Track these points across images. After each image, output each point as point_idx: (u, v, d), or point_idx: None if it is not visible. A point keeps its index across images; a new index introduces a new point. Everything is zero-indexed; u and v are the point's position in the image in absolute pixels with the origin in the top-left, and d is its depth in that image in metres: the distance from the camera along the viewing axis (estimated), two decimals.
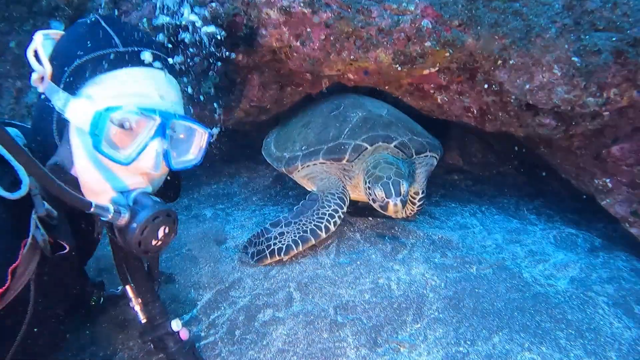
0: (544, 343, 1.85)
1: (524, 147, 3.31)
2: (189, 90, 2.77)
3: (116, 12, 2.76)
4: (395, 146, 2.75)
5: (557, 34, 2.33)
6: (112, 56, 1.41)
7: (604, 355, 1.81)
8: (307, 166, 2.89)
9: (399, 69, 2.65)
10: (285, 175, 3.20)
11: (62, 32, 1.52)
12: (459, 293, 2.14)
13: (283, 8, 2.57)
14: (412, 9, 2.48)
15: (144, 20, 2.76)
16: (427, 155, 2.89)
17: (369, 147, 2.72)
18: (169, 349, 1.86)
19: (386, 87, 3.08)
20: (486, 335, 1.90)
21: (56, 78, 1.41)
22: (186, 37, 2.56)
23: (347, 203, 2.68)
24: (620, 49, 2.22)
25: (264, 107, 3.50)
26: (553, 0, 2.40)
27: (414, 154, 2.79)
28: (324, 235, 2.52)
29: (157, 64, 1.50)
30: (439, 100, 2.94)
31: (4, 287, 1.19)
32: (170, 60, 1.57)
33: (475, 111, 2.87)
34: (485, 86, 2.65)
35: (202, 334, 2.11)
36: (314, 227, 2.52)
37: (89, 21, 1.50)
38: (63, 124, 1.41)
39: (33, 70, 1.40)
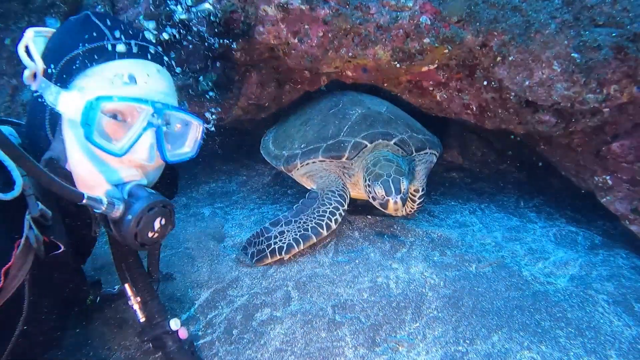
0: (543, 342, 1.84)
1: (524, 145, 3.30)
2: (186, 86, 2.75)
3: (113, 9, 2.74)
4: (395, 143, 2.73)
5: (557, 29, 2.31)
6: (103, 49, 1.42)
7: (604, 353, 1.79)
8: (307, 164, 2.87)
9: (398, 66, 2.63)
10: (284, 173, 3.18)
11: (54, 30, 1.52)
12: (458, 292, 2.13)
13: (281, 5, 2.55)
14: (411, 5, 2.46)
15: (141, 17, 2.73)
16: (426, 153, 2.88)
17: (368, 144, 2.70)
18: (168, 348, 1.85)
19: (385, 85, 3.06)
20: (485, 334, 1.89)
21: (48, 73, 1.40)
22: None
23: (347, 200, 2.67)
24: (620, 44, 2.20)
25: (262, 105, 3.48)
26: None
27: (413, 151, 2.77)
28: (325, 233, 2.50)
29: (149, 56, 1.50)
30: (438, 98, 2.92)
31: None
32: (162, 52, 1.57)
33: (474, 108, 2.85)
34: (485, 83, 2.63)
35: (200, 333, 2.09)
36: (315, 225, 2.50)
37: (79, 17, 1.50)
38: (55, 118, 1.42)
39: (26, 67, 1.39)
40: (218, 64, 3.10)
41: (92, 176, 1.40)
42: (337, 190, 2.68)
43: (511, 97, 2.57)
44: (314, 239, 2.48)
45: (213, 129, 1.96)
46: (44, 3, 2.71)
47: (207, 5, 2.35)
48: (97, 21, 1.47)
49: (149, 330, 1.87)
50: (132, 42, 1.47)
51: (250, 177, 4.10)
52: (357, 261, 2.40)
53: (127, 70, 1.43)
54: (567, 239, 2.80)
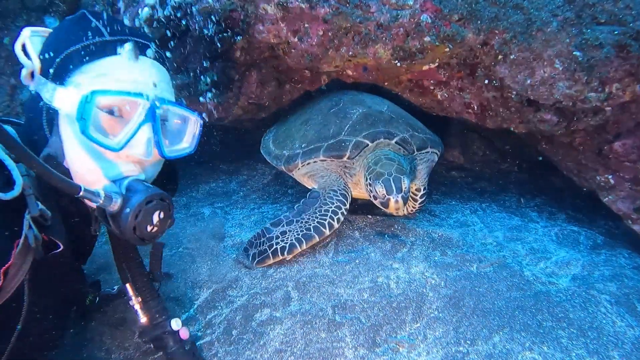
0: (545, 342, 1.82)
1: (526, 144, 3.28)
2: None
3: (112, 8, 2.73)
4: (396, 142, 2.72)
5: (559, 27, 2.29)
6: (98, 45, 1.43)
7: (606, 354, 1.78)
8: (308, 164, 2.85)
9: (398, 64, 2.62)
10: (285, 173, 3.17)
11: (51, 30, 1.54)
12: (459, 292, 2.11)
13: (280, 3, 2.53)
14: (411, 3, 2.44)
15: (140, 16, 2.72)
16: (428, 152, 2.86)
17: (370, 143, 2.69)
18: (169, 349, 1.84)
19: (385, 84, 3.04)
20: (486, 334, 1.87)
21: (45, 72, 1.42)
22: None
23: (349, 199, 2.65)
24: (623, 42, 2.18)
25: (262, 104, 3.46)
26: None
27: (415, 150, 2.76)
28: (328, 232, 2.48)
29: (145, 52, 1.51)
30: (439, 97, 2.91)
31: None
32: (158, 48, 1.58)
33: (475, 107, 2.84)
34: (486, 82, 2.62)
35: (199, 333, 2.08)
36: (318, 224, 2.48)
37: (75, 15, 1.52)
38: (53, 115, 1.43)
39: (23, 66, 1.41)
40: (218, 64, 3.09)
41: (89, 172, 1.40)
42: (339, 190, 2.67)
43: (512, 96, 2.55)
44: (317, 239, 2.46)
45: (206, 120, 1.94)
46: (43, 2, 2.70)
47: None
48: (92, 19, 1.48)
49: (150, 330, 1.87)
50: (128, 38, 1.48)
51: (251, 176, 4.09)
52: (357, 261, 2.38)
53: (124, 65, 1.44)
54: (569, 239, 2.78)
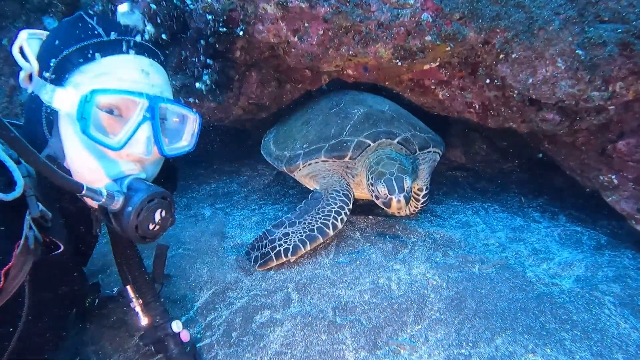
0: (548, 345, 1.80)
1: (528, 144, 3.25)
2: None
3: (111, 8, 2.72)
4: (398, 142, 2.70)
5: (561, 26, 2.27)
6: (96, 45, 1.44)
7: (610, 357, 1.75)
8: (309, 164, 2.84)
9: (399, 64, 2.60)
10: (285, 173, 3.15)
11: (47, 32, 1.55)
12: (460, 293, 2.09)
13: (280, 3, 2.52)
14: (412, 2, 2.42)
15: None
16: (430, 151, 2.84)
17: (371, 143, 2.67)
18: (170, 351, 1.84)
19: (386, 83, 3.03)
20: (489, 336, 1.85)
21: (43, 73, 1.43)
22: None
23: (352, 200, 2.63)
24: (626, 40, 2.16)
25: (262, 104, 3.45)
26: None
27: (417, 150, 2.74)
28: (332, 233, 2.45)
29: (143, 51, 1.52)
30: (440, 96, 2.89)
31: None
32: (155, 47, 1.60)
33: (477, 107, 2.82)
34: (487, 81, 2.60)
35: (199, 335, 2.07)
36: (321, 225, 2.46)
37: (72, 17, 1.54)
38: (52, 116, 1.44)
39: (21, 69, 1.43)
40: (218, 63, 3.08)
41: (91, 171, 1.41)
42: (342, 190, 2.65)
43: (514, 95, 2.53)
44: (321, 240, 2.43)
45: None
46: (42, 3, 2.69)
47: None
48: (89, 20, 1.50)
49: (151, 332, 1.87)
50: (126, 38, 1.50)
51: (252, 177, 4.07)
52: (358, 262, 2.36)
53: (122, 65, 1.46)
54: (572, 239, 2.75)
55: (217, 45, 2.88)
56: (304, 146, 2.89)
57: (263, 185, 3.88)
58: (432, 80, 2.83)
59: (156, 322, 1.86)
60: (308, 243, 2.40)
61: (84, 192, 1.28)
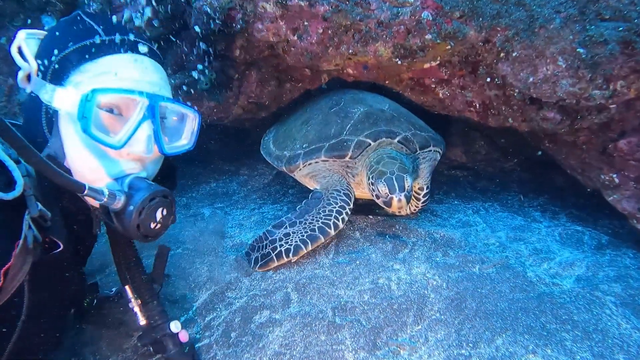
0: (549, 345, 1.78)
1: (529, 143, 3.24)
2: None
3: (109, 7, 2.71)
4: (399, 141, 2.69)
5: (562, 24, 2.25)
6: (95, 45, 1.45)
7: (611, 357, 1.74)
8: (309, 164, 2.82)
9: (399, 63, 2.59)
10: (285, 173, 3.14)
11: (45, 32, 1.56)
12: (461, 293, 2.08)
13: (279, 1, 2.51)
14: (412, 0, 2.41)
15: (138, 14, 2.70)
16: (430, 150, 2.83)
17: (372, 142, 2.66)
18: (168, 352, 1.83)
19: (386, 82, 3.02)
20: (489, 337, 1.84)
21: (42, 73, 1.44)
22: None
23: (353, 199, 2.62)
24: (628, 39, 2.14)
25: (262, 104, 3.44)
26: None
27: (417, 149, 2.73)
28: (333, 232, 2.44)
29: (142, 50, 1.53)
30: (440, 95, 2.88)
31: None
32: (154, 47, 1.60)
33: (477, 106, 2.80)
34: (488, 80, 2.58)
35: (198, 336, 2.06)
36: (322, 225, 2.44)
37: (70, 17, 1.54)
38: (52, 116, 1.45)
39: (20, 69, 1.43)
40: (217, 63, 3.07)
41: (91, 170, 1.41)
42: (342, 190, 2.64)
43: (515, 94, 2.52)
44: (322, 239, 2.41)
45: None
46: (40, 2, 2.69)
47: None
48: (88, 19, 1.51)
49: (149, 332, 1.86)
50: (125, 37, 1.50)
51: (251, 176, 4.06)
52: (358, 262, 2.35)
53: (121, 64, 1.46)
54: (572, 239, 2.74)
55: (216, 44, 2.87)
56: (304, 146, 2.88)
57: (263, 185, 3.87)
58: (433, 79, 2.82)
59: (154, 322, 1.85)
60: (310, 243, 2.39)
61: (86, 192, 1.28)
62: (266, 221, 3.07)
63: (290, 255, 2.36)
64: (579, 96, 2.30)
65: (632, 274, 2.26)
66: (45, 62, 1.44)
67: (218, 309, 2.19)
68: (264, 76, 3.29)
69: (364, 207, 2.97)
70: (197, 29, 2.68)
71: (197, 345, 1.99)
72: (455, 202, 3.32)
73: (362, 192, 2.76)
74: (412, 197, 2.77)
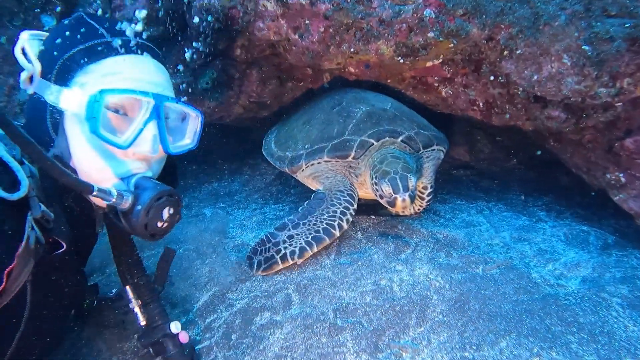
0: (554, 348, 1.75)
1: (533, 141, 3.20)
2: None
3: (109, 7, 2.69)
4: (402, 141, 2.66)
5: (567, 21, 2.21)
6: (100, 46, 1.47)
7: None
8: (312, 165, 2.80)
9: (401, 61, 2.56)
10: (287, 174, 3.11)
11: (47, 34, 1.57)
12: (464, 295, 2.05)
13: (280, 0, 2.48)
14: None
15: (138, 14, 2.68)
16: (434, 149, 2.80)
17: (375, 142, 2.63)
18: (168, 352, 1.83)
19: (388, 81, 2.99)
20: (493, 339, 1.81)
21: (46, 74, 1.45)
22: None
23: (356, 200, 2.60)
24: (634, 35, 2.10)
25: (263, 103, 3.42)
26: None
27: (421, 148, 2.70)
28: (337, 234, 2.41)
29: (145, 51, 1.56)
30: (443, 94, 2.84)
31: None
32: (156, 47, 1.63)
33: (481, 104, 2.77)
34: (491, 78, 2.55)
35: (198, 337, 2.04)
36: (327, 226, 2.41)
37: (72, 18, 1.56)
38: (57, 117, 1.46)
39: (23, 69, 1.44)
40: (218, 62, 3.05)
41: (98, 170, 1.43)
42: (346, 190, 2.61)
43: (519, 93, 2.48)
44: (327, 241, 2.38)
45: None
46: (40, 1, 2.68)
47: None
48: (91, 21, 1.53)
49: (149, 333, 1.86)
50: (128, 38, 1.53)
51: (253, 176, 4.04)
52: (359, 263, 2.33)
53: (126, 65, 1.48)
54: (578, 239, 2.70)
55: (217, 44, 2.85)
56: (306, 146, 2.85)
57: (265, 185, 3.85)
58: (435, 78, 2.78)
59: (155, 323, 1.86)
60: (315, 245, 2.35)
61: (95, 193, 1.30)
62: (268, 221, 3.05)
63: (296, 257, 2.32)
64: (585, 94, 2.27)
65: (639, 274, 2.22)
66: (49, 63, 1.45)
67: (219, 311, 2.17)
68: (265, 75, 3.26)
69: (366, 207, 2.95)
70: (197, 28, 2.66)
71: (197, 347, 1.98)
72: (459, 201, 3.28)
73: (366, 192, 2.73)
74: (416, 197, 2.74)
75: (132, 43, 1.53)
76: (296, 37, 2.61)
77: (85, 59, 1.44)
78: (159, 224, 1.43)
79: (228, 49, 2.94)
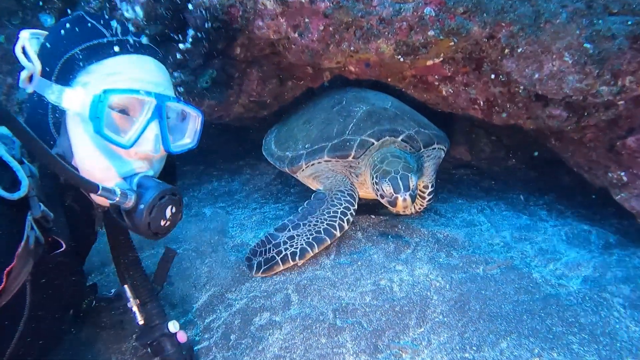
0: (555, 348, 1.74)
1: (534, 140, 3.18)
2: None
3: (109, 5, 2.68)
4: (402, 140, 2.64)
5: (568, 19, 2.19)
6: (102, 45, 1.48)
7: None
8: (312, 165, 2.78)
9: (402, 60, 2.54)
10: (287, 174, 3.10)
11: (46, 32, 1.57)
12: (464, 295, 2.03)
13: None
14: None
15: (136, 12, 2.67)
16: (435, 148, 2.79)
17: (375, 142, 2.61)
18: (166, 352, 1.82)
19: (389, 80, 2.97)
20: (493, 340, 1.79)
21: (47, 73, 1.45)
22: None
23: (357, 200, 2.58)
24: (636, 33, 2.08)
25: (264, 102, 3.41)
26: None
27: (421, 147, 2.68)
28: (338, 234, 2.39)
29: (146, 50, 1.56)
30: (444, 93, 2.82)
31: None
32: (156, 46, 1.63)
33: (482, 103, 2.75)
34: (492, 76, 2.53)
35: (197, 338, 2.04)
36: (328, 227, 2.39)
37: (72, 17, 1.56)
38: (60, 116, 1.46)
39: (22, 68, 1.45)
40: (217, 61, 3.04)
41: (101, 170, 1.44)
42: (346, 190, 2.59)
43: (520, 91, 2.46)
44: (328, 241, 2.37)
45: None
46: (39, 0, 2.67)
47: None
48: (91, 20, 1.53)
49: (147, 332, 1.85)
50: (129, 38, 1.53)
51: (253, 175, 4.03)
52: (359, 263, 2.31)
53: (128, 65, 1.49)
54: (579, 238, 2.69)
55: (216, 42, 2.84)
56: (306, 146, 2.84)
57: (265, 184, 3.84)
58: (436, 76, 2.76)
59: (153, 323, 1.85)
60: (316, 245, 2.34)
61: (99, 192, 1.32)
62: (267, 221, 3.04)
63: (297, 258, 2.30)
64: (586, 92, 2.25)
65: None
66: (50, 62, 1.45)
67: (218, 311, 2.16)
68: (265, 74, 3.25)
69: (366, 207, 2.93)
70: (196, 27, 2.65)
71: (196, 348, 1.97)
72: (460, 201, 3.27)
73: (366, 192, 2.72)
74: (417, 196, 2.72)
75: (133, 42, 1.53)
76: (296, 35, 2.59)
77: (87, 59, 1.45)
78: (162, 223, 1.45)
79: (227, 48, 2.92)
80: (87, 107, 1.37)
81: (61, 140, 1.47)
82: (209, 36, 2.70)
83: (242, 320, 2.06)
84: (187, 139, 1.67)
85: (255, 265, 2.34)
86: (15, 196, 1.19)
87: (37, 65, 1.44)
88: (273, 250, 2.36)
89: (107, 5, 2.62)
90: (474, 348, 1.77)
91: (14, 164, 1.24)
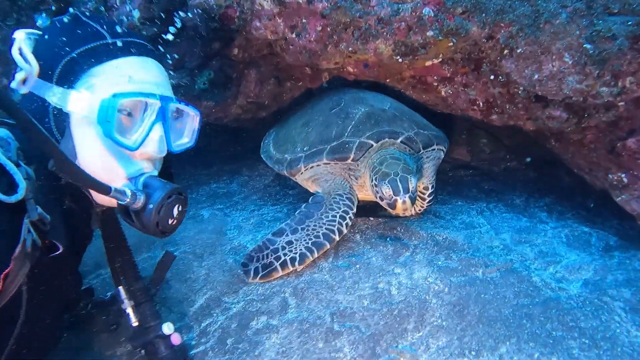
0: (555, 353, 1.72)
1: (534, 141, 3.16)
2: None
3: (105, 6, 2.66)
4: (402, 141, 2.62)
5: (568, 19, 2.17)
6: (104, 48, 1.48)
7: None
8: (311, 167, 2.76)
9: (400, 60, 2.52)
10: (286, 176, 3.08)
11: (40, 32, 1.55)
12: (463, 299, 2.01)
13: None
14: None
15: (135, 13, 2.65)
16: (434, 149, 2.76)
17: (374, 144, 2.59)
18: (160, 354, 1.81)
19: (387, 80, 2.95)
20: (492, 344, 1.77)
21: (46, 75, 1.43)
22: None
23: (356, 203, 2.56)
24: (637, 33, 2.06)
25: (262, 103, 3.40)
26: None
27: (421, 148, 2.66)
28: (337, 238, 2.37)
29: (146, 51, 1.58)
30: (443, 93, 2.80)
31: None
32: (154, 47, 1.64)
33: (481, 104, 2.73)
34: (492, 77, 2.51)
35: (193, 342, 2.01)
36: (327, 231, 2.37)
37: (68, 17, 1.54)
38: (62, 118, 1.45)
39: (18, 70, 1.43)
40: (215, 62, 3.02)
41: (107, 171, 1.45)
42: (345, 194, 2.57)
43: (519, 92, 2.44)
44: (328, 246, 2.34)
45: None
46: (33, 0, 2.65)
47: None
48: (89, 21, 1.52)
49: (141, 334, 1.84)
50: (130, 39, 1.54)
51: (252, 177, 4.01)
52: (357, 266, 2.29)
53: (130, 66, 1.49)
54: (580, 241, 2.66)
55: (214, 43, 2.82)
56: (305, 149, 2.81)
57: (263, 186, 3.82)
58: (435, 77, 2.74)
59: (147, 324, 1.84)
60: (315, 250, 2.31)
61: (112, 194, 1.35)
62: (265, 223, 3.02)
63: (296, 264, 2.28)
64: (586, 93, 2.23)
65: None
66: (49, 64, 1.44)
67: (214, 314, 2.14)
68: (263, 75, 3.24)
69: (365, 209, 2.91)
70: (194, 27, 2.63)
71: (192, 352, 1.95)
72: (459, 202, 3.24)
73: (365, 194, 2.69)
74: (417, 197, 2.70)
75: (133, 44, 1.53)
76: (293, 36, 2.58)
77: (90, 61, 1.44)
78: (170, 221, 1.48)
79: (225, 49, 2.91)
80: (95, 111, 1.38)
81: (65, 142, 1.46)
82: (206, 37, 2.68)
83: (238, 324, 2.04)
84: (185, 138, 1.68)
85: (252, 271, 2.30)
86: (13, 199, 1.18)
87: (35, 67, 1.42)
88: (271, 255, 2.33)
89: (103, 7, 2.60)
90: (473, 352, 1.75)
91: (11, 166, 1.23)
